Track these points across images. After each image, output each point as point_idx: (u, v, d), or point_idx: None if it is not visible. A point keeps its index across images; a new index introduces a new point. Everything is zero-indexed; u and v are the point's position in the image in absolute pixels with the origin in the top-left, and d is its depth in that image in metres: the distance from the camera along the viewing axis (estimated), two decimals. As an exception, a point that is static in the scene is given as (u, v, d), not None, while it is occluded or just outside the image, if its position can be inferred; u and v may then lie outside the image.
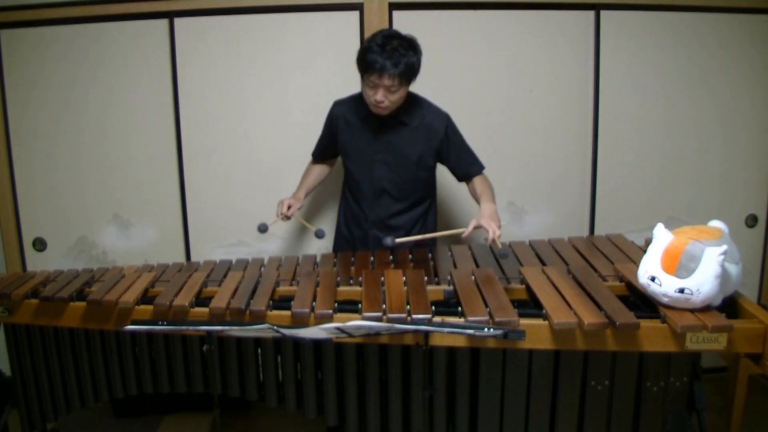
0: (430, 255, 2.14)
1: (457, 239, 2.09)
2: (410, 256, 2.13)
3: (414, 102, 2.13)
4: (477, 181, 2.16)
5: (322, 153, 2.34)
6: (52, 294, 1.89)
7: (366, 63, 1.95)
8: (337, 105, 2.23)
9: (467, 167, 2.18)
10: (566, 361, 1.64)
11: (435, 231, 2.22)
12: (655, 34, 2.63)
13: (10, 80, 2.56)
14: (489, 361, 1.65)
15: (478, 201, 2.10)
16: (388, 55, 1.92)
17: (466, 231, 1.91)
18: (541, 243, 2.20)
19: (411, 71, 1.98)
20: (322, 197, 2.66)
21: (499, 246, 1.88)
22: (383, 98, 1.98)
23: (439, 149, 2.15)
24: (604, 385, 1.65)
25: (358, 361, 1.76)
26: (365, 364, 1.75)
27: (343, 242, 2.34)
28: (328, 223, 2.67)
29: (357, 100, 2.16)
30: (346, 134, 2.19)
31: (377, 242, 2.19)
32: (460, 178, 2.21)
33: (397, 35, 1.99)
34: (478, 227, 1.92)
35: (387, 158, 2.15)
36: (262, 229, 2.17)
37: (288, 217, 2.18)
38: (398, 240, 2.00)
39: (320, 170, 2.37)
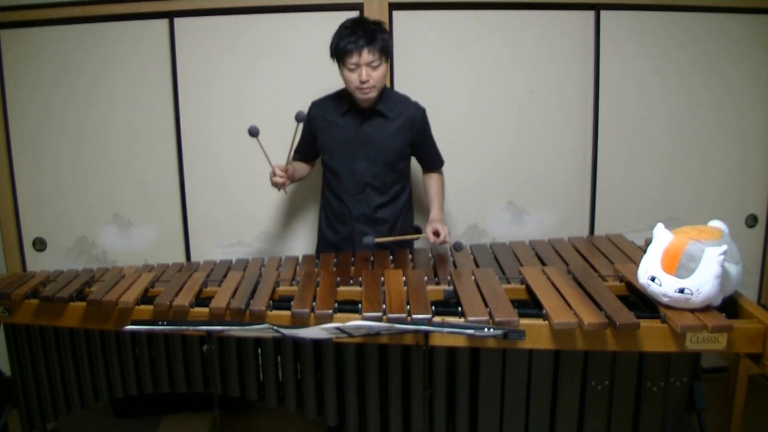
0: (430, 255, 2.14)
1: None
2: (410, 256, 2.14)
3: (392, 95, 2.21)
4: (434, 179, 2.33)
5: (303, 153, 2.35)
6: (52, 294, 1.89)
7: (342, 47, 1.99)
8: (314, 106, 2.25)
9: (434, 159, 2.33)
10: (566, 361, 1.64)
11: (413, 225, 2.33)
12: (655, 34, 2.63)
13: (10, 80, 2.56)
14: (489, 361, 1.65)
15: (429, 199, 2.30)
16: (362, 33, 1.98)
17: (430, 237, 2.09)
18: (541, 243, 2.20)
19: (387, 47, 2.03)
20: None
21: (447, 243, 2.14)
22: (368, 76, 2.00)
23: (413, 140, 2.22)
24: (604, 385, 1.65)
25: (358, 361, 1.76)
26: (365, 364, 1.75)
27: (326, 246, 2.32)
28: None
29: (334, 98, 2.21)
30: (327, 132, 2.21)
31: (362, 236, 2.21)
32: (425, 168, 2.37)
33: (364, 19, 2.05)
34: (435, 232, 2.09)
35: (369, 152, 2.17)
36: (254, 132, 2.02)
37: (281, 176, 2.07)
38: (377, 240, 2.10)
39: (301, 166, 2.35)
